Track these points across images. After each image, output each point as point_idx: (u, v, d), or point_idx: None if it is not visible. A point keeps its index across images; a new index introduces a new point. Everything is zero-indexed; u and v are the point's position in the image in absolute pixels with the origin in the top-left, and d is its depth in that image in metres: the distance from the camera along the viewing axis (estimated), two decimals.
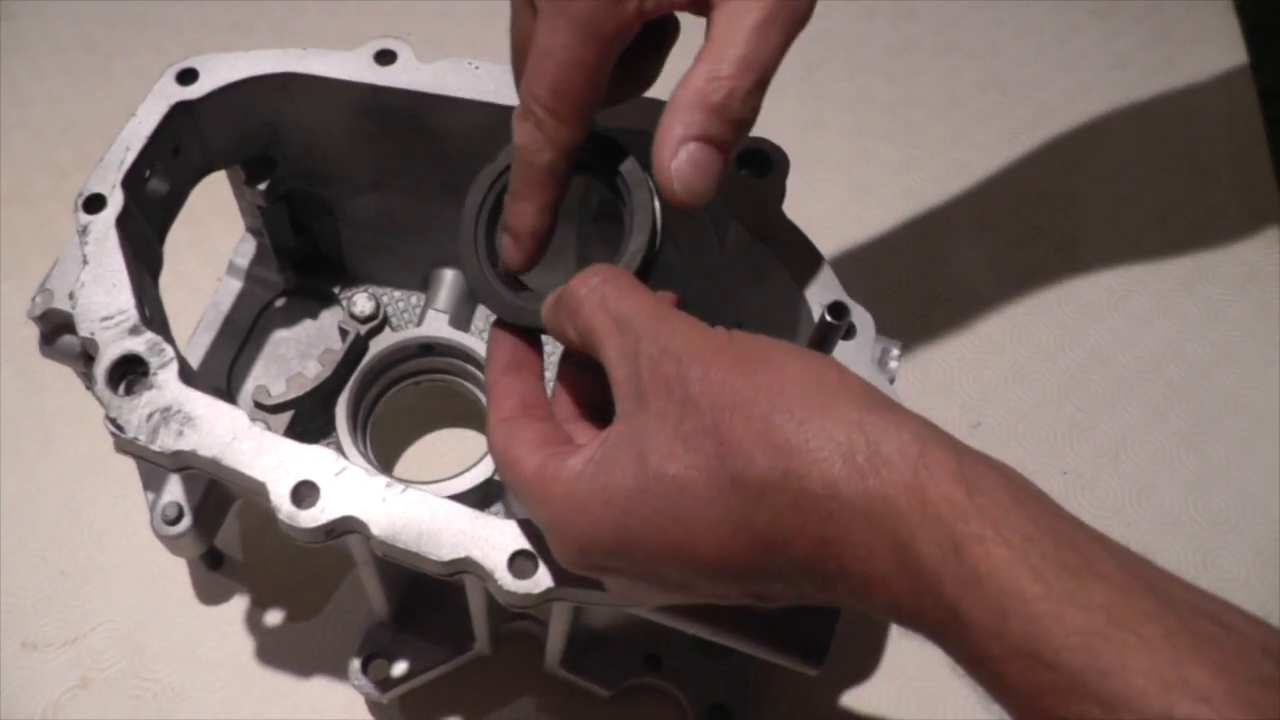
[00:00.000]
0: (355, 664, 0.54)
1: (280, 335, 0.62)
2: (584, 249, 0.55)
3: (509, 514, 0.56)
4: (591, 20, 0.35)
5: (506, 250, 0.41)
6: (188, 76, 0.49)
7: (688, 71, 0.36)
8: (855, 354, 0.43)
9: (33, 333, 0.48)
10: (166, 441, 0.40)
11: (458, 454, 0.63)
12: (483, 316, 0.62)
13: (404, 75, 0.50)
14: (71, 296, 0.44)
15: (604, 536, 0.33)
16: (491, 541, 0.39)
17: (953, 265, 0.75)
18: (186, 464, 0.41)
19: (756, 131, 0.49)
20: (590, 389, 0.39)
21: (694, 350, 0.32)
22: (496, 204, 0.43)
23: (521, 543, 0.39)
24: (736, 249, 0.48)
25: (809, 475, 0.29)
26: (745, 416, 0.30)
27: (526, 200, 0.39)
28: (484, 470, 0.56)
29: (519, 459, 0.36)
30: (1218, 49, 0.86)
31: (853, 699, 0.58)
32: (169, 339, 0.44)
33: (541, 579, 0.39)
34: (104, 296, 0.43)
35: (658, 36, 0.41)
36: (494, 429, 0.38)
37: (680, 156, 0.36)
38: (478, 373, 0.59)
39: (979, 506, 0.27)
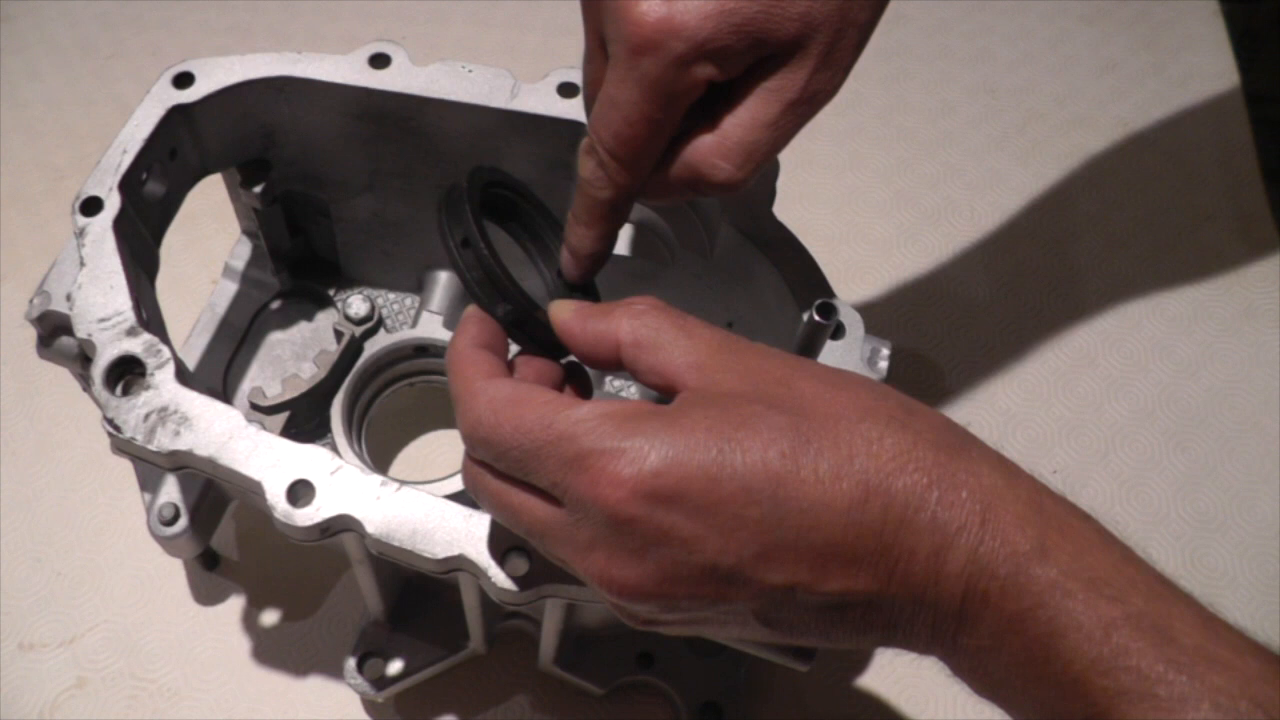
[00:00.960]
0: (350, 663, 0.55)
1: (276, 337, 0.62)
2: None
3: None
4: (660, 82, 0.36)
5: (565, 265, 0.42)
6: (184, 80, 0.50)
7: (701, 131, 0.38)
8: (844, 353, 0.44)
9: (30, 335, 0.48)
10: (163, 441, 0.41)
11: (452, 455, 0.64)
12: None
13: (398, 78, 0.51)
14: (69, 298, 0.44)
15: (691, 458, 0.30)
16: (485, 539, 0.39)
17: (942, 266, 0.76)
18: (183, 464, 0.42)
19: None
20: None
21: (768, 348, 0.34)
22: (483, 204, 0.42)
23: (515, 540, 0.39)
24: (727, 250, 0.49)
25: (815, 452, 0.30)
26: (746, 414, 0.31)
27: (587, 227, 0.41)
28: None
29: (547, 400, 0.32)
30: (1205, 54, 0.87)
31: (842, 696, 0.59)
32: (166, 340, 0.44)
33: (534, 576, 0.39)
34: (101, 298, 0.44)
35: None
36: (481, 389, 0.34)
37: (665, 197, 0.40)
38: None
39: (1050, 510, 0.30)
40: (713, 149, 0.38)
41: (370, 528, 0.40)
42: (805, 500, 0.30)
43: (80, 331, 0.43)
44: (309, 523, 0.40)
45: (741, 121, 0.38)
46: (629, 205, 0.41)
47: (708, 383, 0.32)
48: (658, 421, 0.31)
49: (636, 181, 0.39)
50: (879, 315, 0.73)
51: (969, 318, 0.73)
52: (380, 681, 0.55)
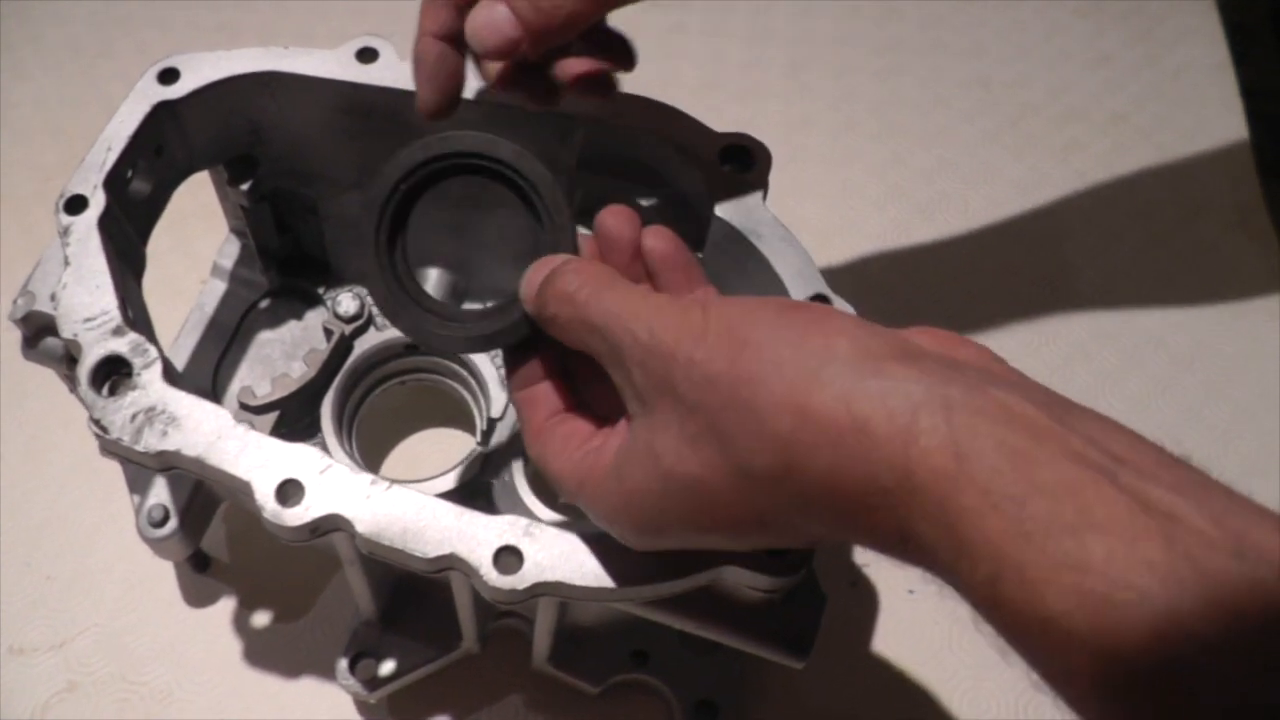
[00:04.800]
0: (342, 664, 0.54)
1: (265, 336, 0.62)
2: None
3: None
4: None
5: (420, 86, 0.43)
6: (169, 76, 0.49)
7: None
8: None
9: (15, 336, 0.48)
10: (151, 442, 0.40)
11: (443, 453, 0.63)
12: None
13: (386, 73, 0.50)
14: (53, 298, 0.44)
15: (649, 524, 0.35)
16: (477, 538, 0.39)
17: (936, 260, 0.75)
18: (171, 464, 0.41)
19: (742, 128, 0.49)
20: (578, 373, 0.40)
21: (672, 345, 0.33)
22: (396, 218, 0.42)
23: (506, 539, 0.39)
24: (719, 243, 0.49)
25: (806, 467, 0.29)
26: (737, 413, 0.31)
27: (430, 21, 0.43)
28: (469, 469, 0.56)
29: (560, 472, 0.38)
30: (1199, 47, 0.86)
31: (839, 692, 0.58)
32: (152, 340, 0.44)
33: (526, 574, 0.39)
34: (86, 298, 0.43)
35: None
36: (529, 445, 0.40)
37: (494, 16, 0.40)
38: (462, 371, 0.60)
39: (969, 475, 0.27)
40: None
41: (360, 527, 0.39)
42: (742, 530, 0.33)
43: (65, 332, 0.43)
44: (298, 522, 0.39)
45: None
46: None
47: (632, 422, 0.36)
48: (610, 499, 0.36)
49: None
50: (872, 309, 0.72)
51: (963, 312, 0.73)
52: (373, 682, 0.54)
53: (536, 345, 0.40)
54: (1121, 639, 0.24)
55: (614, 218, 0.41)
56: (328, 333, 0.58)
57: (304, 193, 0.58)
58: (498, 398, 0.57)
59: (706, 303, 0.34)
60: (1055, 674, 0.26)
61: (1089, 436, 0.27)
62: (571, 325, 0.37)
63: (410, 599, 0.55)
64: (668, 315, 0.34)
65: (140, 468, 0.44)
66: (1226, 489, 0.26)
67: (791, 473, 0.30)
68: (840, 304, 0.44)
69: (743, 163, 0.48)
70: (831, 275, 0.46)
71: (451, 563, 0.39)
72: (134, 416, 0.41)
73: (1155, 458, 0.27)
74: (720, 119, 0.50)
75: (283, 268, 0.62)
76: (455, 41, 0.42)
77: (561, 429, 0.39)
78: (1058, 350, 0.71)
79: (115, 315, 0.43)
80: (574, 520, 0.52)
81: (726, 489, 0.32)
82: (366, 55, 0.50)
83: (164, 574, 0.61)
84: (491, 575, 0.39)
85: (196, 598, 0.61)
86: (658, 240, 0.41)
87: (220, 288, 0.62)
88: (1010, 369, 0.32)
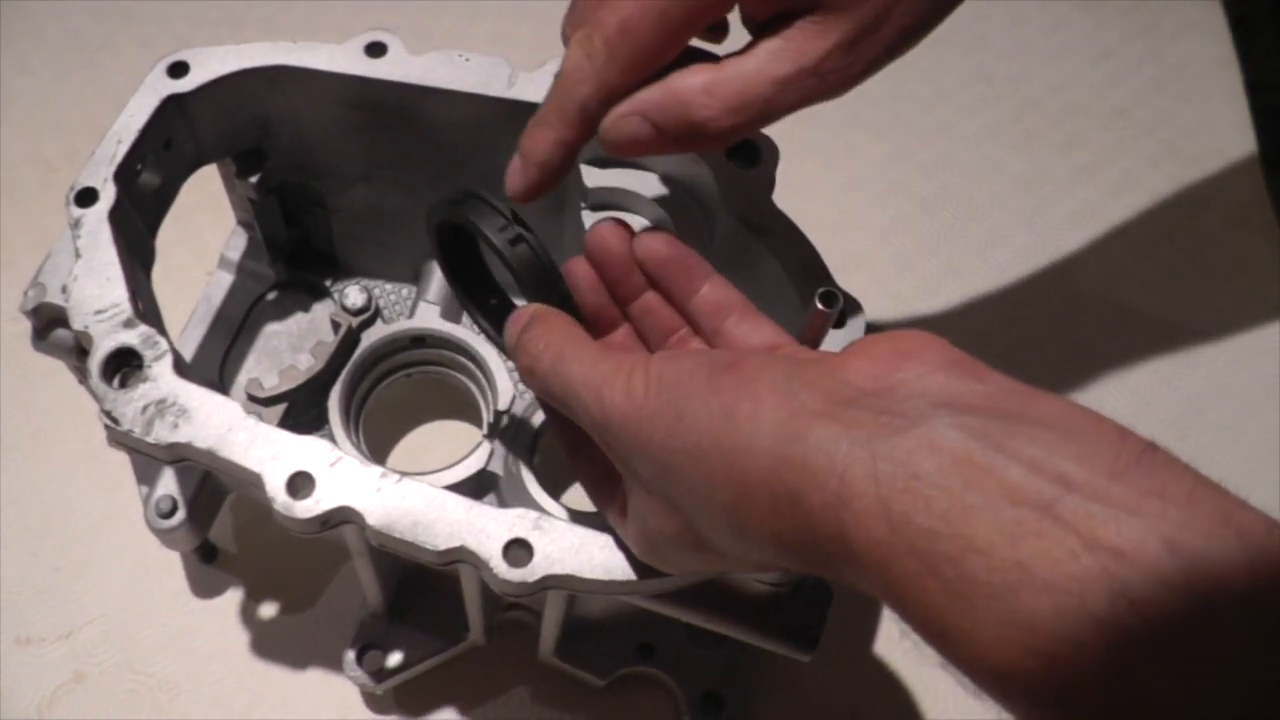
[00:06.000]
0: (350, 655, 0.55)
1: (272, 328, 0.62)
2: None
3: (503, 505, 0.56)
4: None
5: (510, 176, 0.40)
6: (179, 69, 0.49)
7: (699, 65, 0.37)
8: (844, 341, 0.44)
9: (23, 328, 0.48)
10: (161, 434, 0.41)
11: (450, 445, 0.63)
12: None
13: (394, 67, 0.50)
14: (64, 290, 0.44)
15: (667, 565, 0.38)
16: (486, 530, 0.39)
17: (939, 256, 0.76)
18: (181, 456, 0.42)
19: None
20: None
21: (620, 421, 0.34)
22: (458, 238, 0.44)
23: (516, 531, 0.39)
24: (726, 239, 0.49)
25: (756, 533, 0.30)
26: (685, 486, 0.32)
27: (548, 127, 0.38)
28: (477, 461, 0.56)
29: (599, 507, 0.41)
30: (1202, 41, 0.87)
31: (843, 687, 0.59)
32: (162, 332, 0.44)
33: (536, 567, 0.39)
34: (97, 290, 0.44)
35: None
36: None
37: (628, 124, 0.37)
38: (470, 364, 0.60)
39: (905, 540, 0.26)
40: (705, 85, 0.36)
41: (371, 519, 0.39)
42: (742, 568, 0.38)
43: (76, 324, 0.43)
44: (309, 515, 0.39)
45: (746, 70, 0.36)
46: (600, 117, 0.37)
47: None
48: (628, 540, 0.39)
49: (623, 83, 0.37)
50: (874, 305, 0.73)
51: (965, 307, 0.73)
52: (380, 673, 0.55)
53: None
54: (1077, 696, 0.24)
55: (600, 237, 0.41)
56: (335, 325, 0.58)
57: (312, 186, 0.58)
58: (504, 390, 0.57)
59: (648, 368, 0.34)
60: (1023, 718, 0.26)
61: (1031, 460, 0.25)
62: (542, 396, 0.38)
63: (417, 591, 0.55)
64: (614, 387, 0.34)
65: (149, 459, 0.44)
66: (1188, 489, 0.25)
67: (745, 537, 0.31)
68: (849, 299, 0.44)
69: (749, 158, 0.48)
70: (835, 271, 0.46)
71: (461, 555, 0.40)
72: (145, 408, 0.41)
73: (1109, 465, 0.25)
74: None
75: (290, 260, 0.62)
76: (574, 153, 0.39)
77: (593, 468, 0.40)
78: (1059, 346, 0.71)
79: (126, 307, 0.43)
80: (582, 514, 0.52)
81: (704, 544, 0.34)
82: (375, 49, 0.50)
83: (171, 565, 0.61)
84: (501, 568, 0.39)
85: (204, 589, 0.61)
86: (651, 246, 0.40)
87: (227, 280, 0.62)
88: (956, 374, 0.30)
